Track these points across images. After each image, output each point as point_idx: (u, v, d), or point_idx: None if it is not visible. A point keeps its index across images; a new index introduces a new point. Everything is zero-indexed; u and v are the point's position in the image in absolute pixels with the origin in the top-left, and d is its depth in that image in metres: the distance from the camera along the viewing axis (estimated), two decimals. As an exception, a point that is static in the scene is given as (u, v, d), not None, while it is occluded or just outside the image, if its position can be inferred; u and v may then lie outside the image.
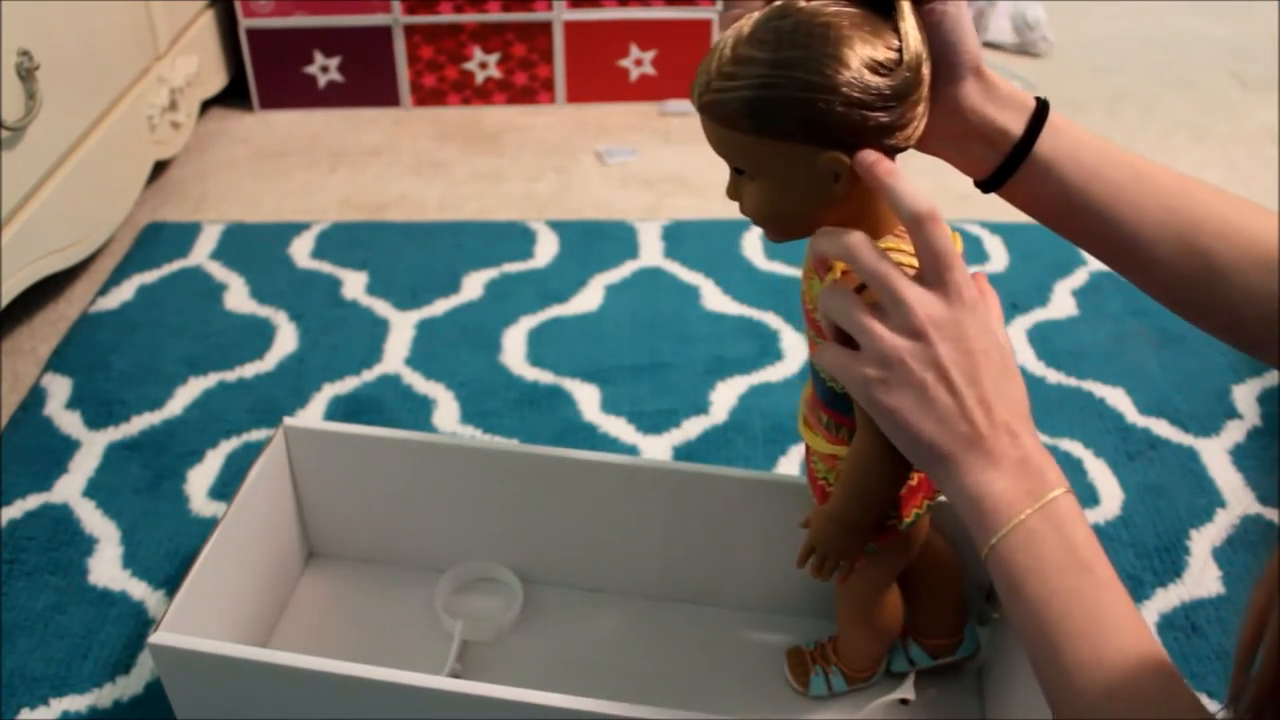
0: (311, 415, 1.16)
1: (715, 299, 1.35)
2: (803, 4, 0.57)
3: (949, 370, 0.57)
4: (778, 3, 0.59)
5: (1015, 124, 0.63)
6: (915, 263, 0.58)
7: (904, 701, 0.83)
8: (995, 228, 1.48)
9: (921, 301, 0.57)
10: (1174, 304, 0.66)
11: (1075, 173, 0.63)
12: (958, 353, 0.57)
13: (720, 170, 0.65)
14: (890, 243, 0.62)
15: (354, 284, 1.37)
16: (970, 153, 0.64)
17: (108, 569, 0.99)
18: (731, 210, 0.69)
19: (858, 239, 0.58)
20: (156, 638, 0.74)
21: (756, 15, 0.59)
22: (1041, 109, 0.64)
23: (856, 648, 0.85)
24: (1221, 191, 0.64)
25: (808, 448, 0.76)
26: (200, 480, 1.08)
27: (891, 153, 0.59)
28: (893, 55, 0.56)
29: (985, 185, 0.65)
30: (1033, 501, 0.57)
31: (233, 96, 1.82)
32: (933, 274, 0.57)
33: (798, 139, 0.58)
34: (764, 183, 0.62)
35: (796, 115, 0.57)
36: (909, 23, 0.57)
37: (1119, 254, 0.65)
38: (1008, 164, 0.64)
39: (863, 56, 0.56)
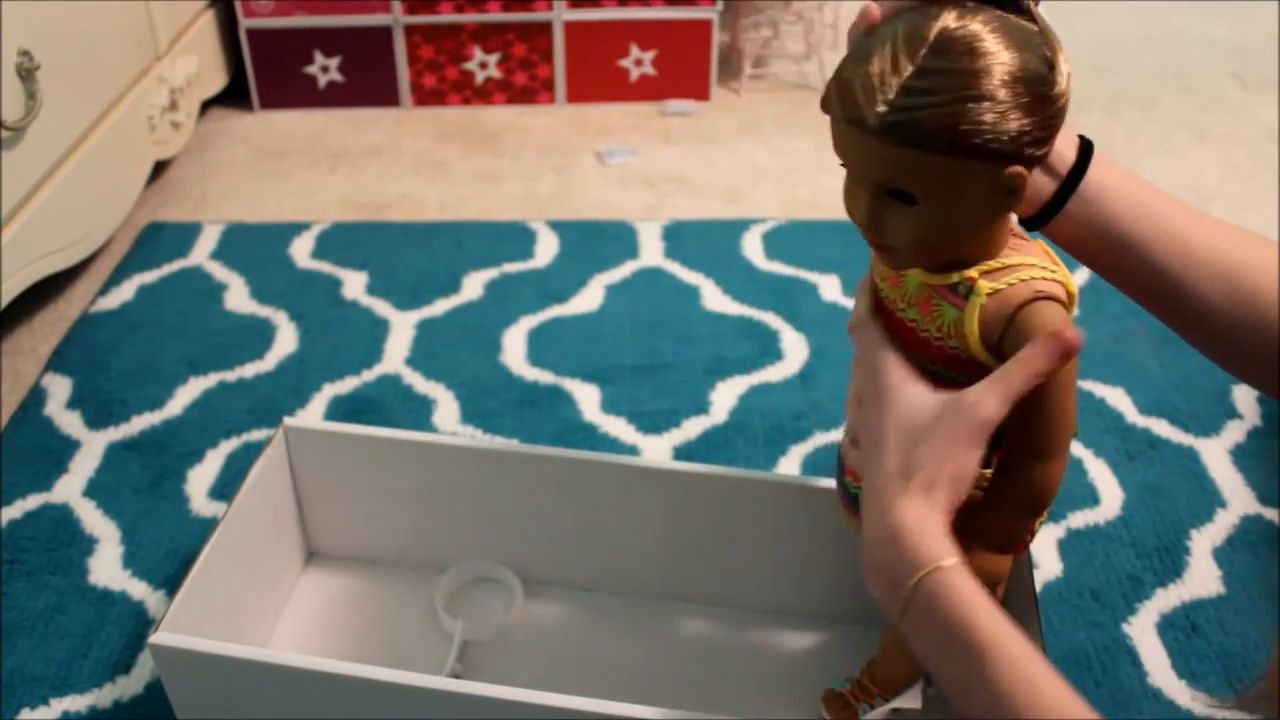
0: (311, 415, 1.16)
1: (715, 299, 1.35)
2: (951, 12, 0.56)
3: (882, 434, 0.61)
4: (918, 9, 0.57)
5: (1068, 150, 0.64)
6: (1049, 275, 0.60)
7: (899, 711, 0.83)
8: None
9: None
10: (1216, 349, 0.65)
11: (1124, 204, 0.63)
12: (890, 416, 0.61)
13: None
14: (1011, 259, 0.62)
15: (354, 284, 1.37)
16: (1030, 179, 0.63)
17: (108, 569, 0.99)
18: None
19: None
20: (156, 638, 0.74)
21: (904, 24, 0.56)
22: (1086, 140, 0.64)
23: (900, 667, 0.82)
24: (1260, 236, 0.64)
25: (845, 464, 0.73)
26: (200, 480, 1.08)
27: (1037, 164, 0.58)
28: (1047, 62, 0.56)
29: (1036, 219, 0.65)
30: (902, 591, 0.56)
31: (233, 96, 1.82)
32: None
33: (990, 154, 0.55)
34: (935, 205, 0.58)
35: (996, 128, 0.55)
36: (1045, 23, 0.57)
37: (1165, 292, 0.64)
38: (1063, 190, 0.63)
39: (1031, 66, 0.55)
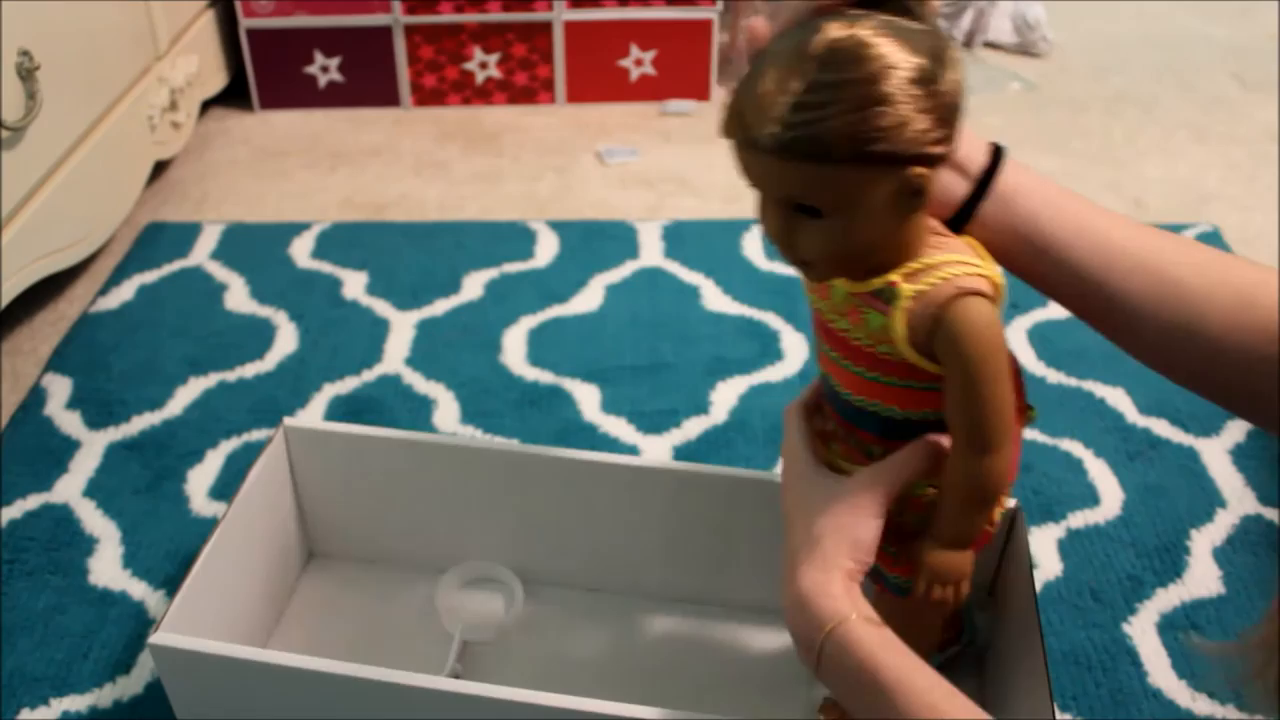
0: (311, 415, 1.16)
1: (715, 299, 1.35)
2: (835, 22, 0.56)
3: (785, 507, 0.69)
4: (802, 24, 0.57)
5: (979, 154, 0.65)
6: (973, 270, 0.61)
7: None
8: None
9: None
10: (1155, 355, 0.65)
11: (1039, 205, 0.64)
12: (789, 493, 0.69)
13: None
14: (934, 258, 0.62)
15: (354, 284, 1.37)
16: (940, 181, 0.63)
17: (108, 569, 0.99)
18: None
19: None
20: (156, 638, 0.74)
21: (789, 40, 0.56)
22: (998, 146, 0.65)
23: None
24: (1182, 237, 0.64)
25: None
26: (200, 480, 1.08)
27: (940, 163, 0.58)
28: (938, 58, 0.56)
29: (950, 224, 0.65)
30: (813, 647, 0.62)
31: (233, 96, 1.82)
32: None
33: (891, 160, 0.56)
34: (842, 216, 0.58)
35: (894, 135, 0.55)
36: (932, 19, 0.57)
37: (1090, 294, 0.64)
38: (976, 193, 0.64)
39: (921, 65, 0.55)
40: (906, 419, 0.66)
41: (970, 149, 0.64)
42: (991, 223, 0.64)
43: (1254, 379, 0.61)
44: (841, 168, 0.56)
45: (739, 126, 0.57)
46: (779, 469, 0.73)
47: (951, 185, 0.64)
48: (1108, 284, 0.63)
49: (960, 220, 0.65)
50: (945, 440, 0.65)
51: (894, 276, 0.61)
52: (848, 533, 0.63)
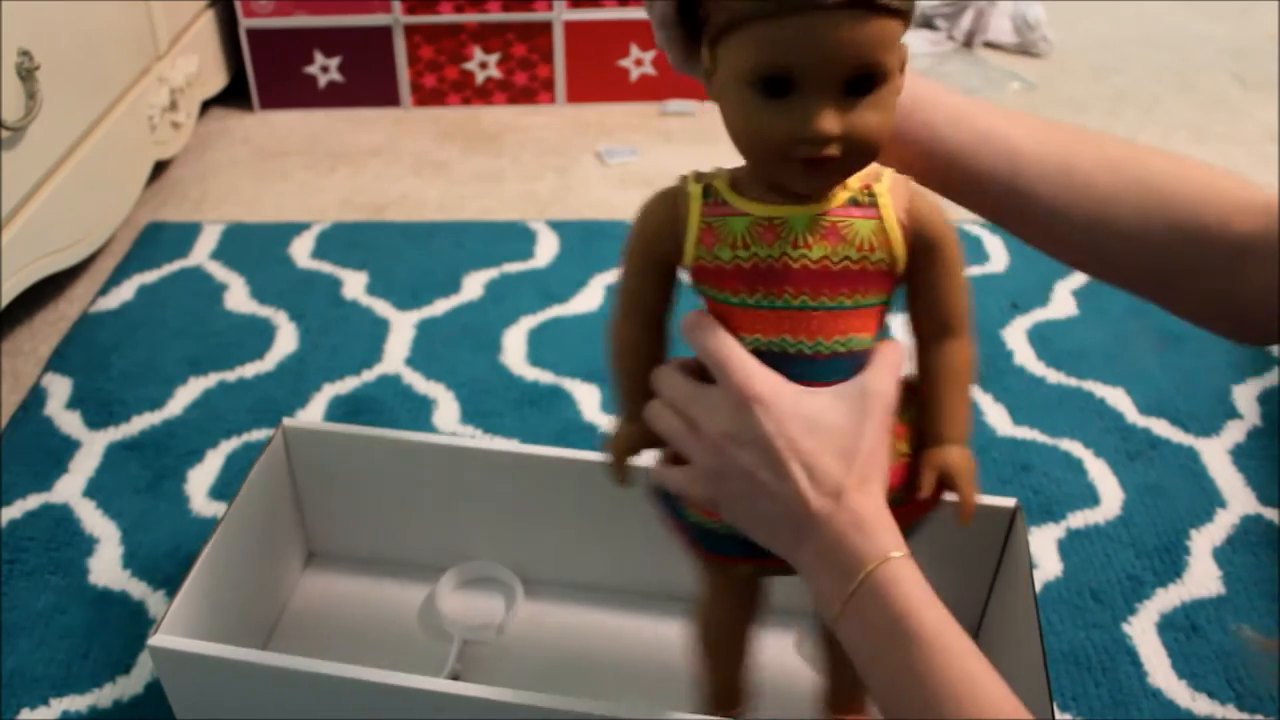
0: (311, 415, 1.16)
1: (715, 299, 1.34)
2: None
3: (772, 443, 0.56)
4: None
5: None
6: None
7: None
8: (995, 228, 1.47)
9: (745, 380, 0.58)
10: (1083, 255, 0.65)
11: (938, 114, 0.62)
12: (776, 423, 0.57)
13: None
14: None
15: (354, 284, 1.37)
16: None
17: (108, 569, 0.99)
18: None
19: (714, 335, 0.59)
20: (156, 640, 0.74)
21: None
22: None
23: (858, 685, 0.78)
24: (1083, 129, 0.64)
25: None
26: (200, 480, 1.08)
27: None
28: None
29: None
30: (849, 584, 0.55)
31: (233, 96, 1.82)
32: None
33: (905, 13, 0.53)
34: (891, 83, 0.54)
35: None
36: None
37: (1003, 199, 0.63)
38: None
39: None
40: (863, 350, 0.61)
41: None
42: (894, 141, 0.61)
43: (1169, 264, 0.64)
44: (890, 20, 0.52)
45: None
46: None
47: None
48: (1017, 190, 0.63)
49: None
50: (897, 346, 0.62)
51: (854, 182, 0.59)
52: (880, 452, 0.58)
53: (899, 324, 0.64)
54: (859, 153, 0.55)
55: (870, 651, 0.55)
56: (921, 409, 0.64)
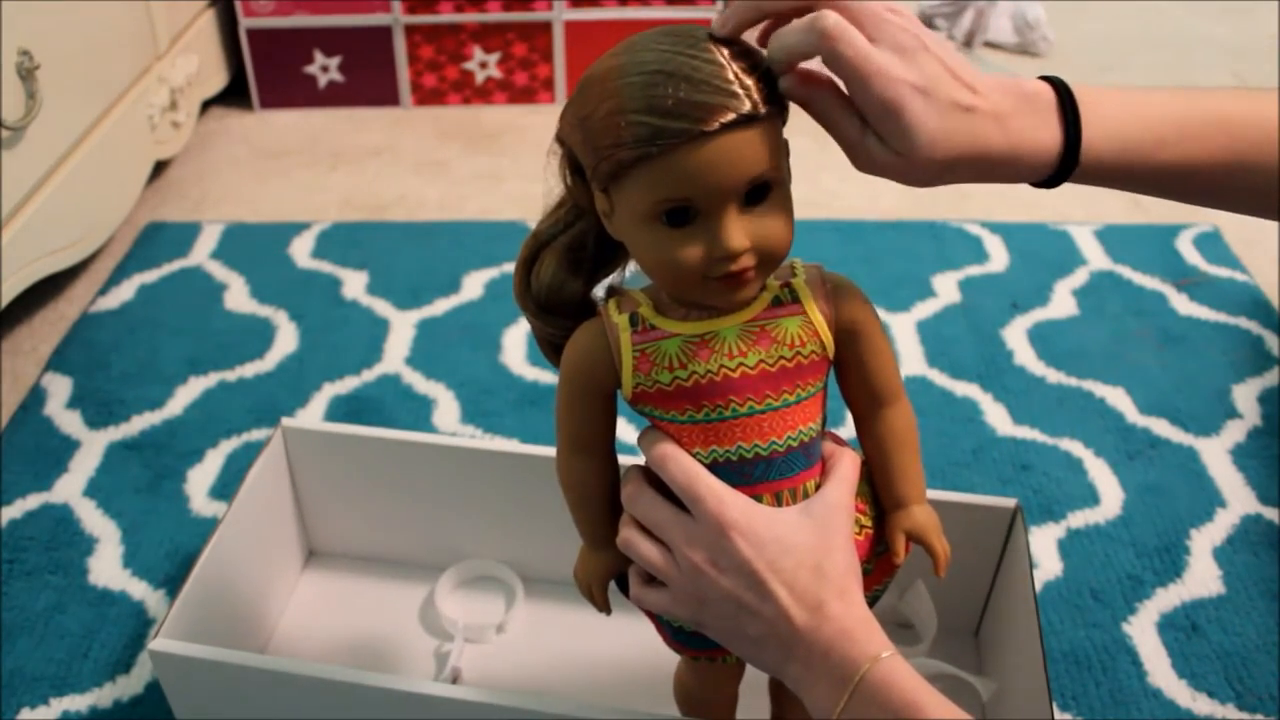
0: (311, 415, 1.16)
1: (715, 299, 1.34)
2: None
3: (752, 567, 0.57)
4: (670, 28, 0.56)
5: (1042, 89, 0.56)
6: None
7: None
8: (995, 227, 1.48)
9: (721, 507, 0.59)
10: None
11: (1128, 114, 0.56)
12: (754, 548, 0.58)
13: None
14: None
15: (354, 284, 1.37)
16: (1022, 129, 0.55)
17: (108, 569, 0.99)
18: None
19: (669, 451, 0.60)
20: (156, 644, 0.74)
21: (666, 38, 0.55)
22: (1046, 77, 0.57)
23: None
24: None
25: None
26: (200, 480, 1.08)
27: None
28: None
29: (1065, 163, 0.57)
30: (845, 689, 0.55)
31: (233, 96, 1.82)
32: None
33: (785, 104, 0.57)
34: (783, 186, 0.57)
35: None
36: None
37: (1226, 183, 0.58)
38: (1069, 126, 0.56)
39: None
40: (815, 437, 0.62)
41: (1034, 84, 0.56)
42: (1098, 150, 0.56)
43: None
44: (775, 120, 0.55)
45: (688, 121, 0.52)
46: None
47: (1037, 128, 0.55)
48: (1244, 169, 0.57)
49: (1069, 164, 0.56)
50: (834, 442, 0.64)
51: (772, 280, 0.60)
52: (852, 563, 0.59)
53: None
54: (771, 257, 0.57)
55: None
56: (873, 477, 0.65)
